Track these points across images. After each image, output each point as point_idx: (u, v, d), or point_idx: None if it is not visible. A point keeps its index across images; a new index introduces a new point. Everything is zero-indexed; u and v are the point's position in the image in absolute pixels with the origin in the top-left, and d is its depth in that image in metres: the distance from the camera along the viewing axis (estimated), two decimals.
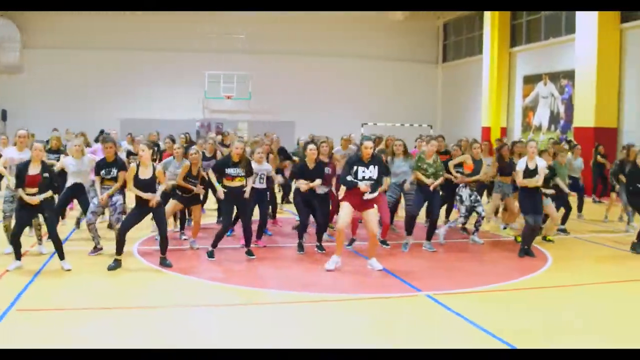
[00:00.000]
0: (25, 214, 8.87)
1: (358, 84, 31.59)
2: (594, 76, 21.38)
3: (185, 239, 11.35)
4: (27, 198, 8.68)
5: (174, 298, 7.95)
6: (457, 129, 28.63)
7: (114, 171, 10.03)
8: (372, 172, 9.38)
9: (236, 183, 10.00)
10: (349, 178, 9.33)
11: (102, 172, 10.00)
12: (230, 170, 9.95)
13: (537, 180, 10.55)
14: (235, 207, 10.23)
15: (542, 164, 10.73)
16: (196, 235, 10.96)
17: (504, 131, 27.33)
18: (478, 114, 28.92)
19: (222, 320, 7.21)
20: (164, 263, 9.36)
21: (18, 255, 8.81)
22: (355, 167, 9.38)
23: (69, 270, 8.84)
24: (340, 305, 7.79)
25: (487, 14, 27.81)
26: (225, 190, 9.99)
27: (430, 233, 11.26)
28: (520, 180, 10.61)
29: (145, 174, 9.27)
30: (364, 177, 9.35)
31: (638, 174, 11.46)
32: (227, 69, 28.99)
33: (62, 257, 8.94)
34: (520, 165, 10.70)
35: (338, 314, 7.46)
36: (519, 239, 11.56)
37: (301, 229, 10.83)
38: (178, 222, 12.00)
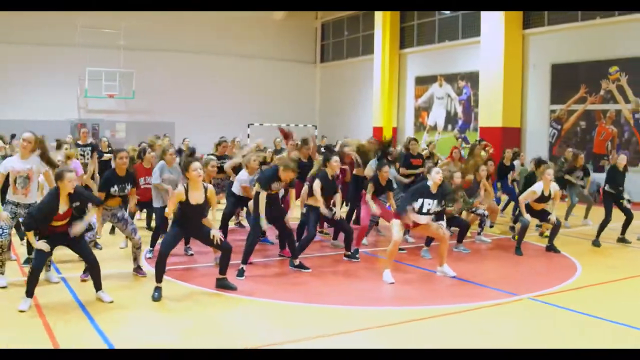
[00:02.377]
0: (50, 242, 7.08)
1: (242, 83, 30.76)
2: (501, 78, 22.26)
3: (192, 254, 10.06)
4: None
5: (300, 328, 6.69)
6: (344, 129, 28.47)
7: (128, 187, 8.54)
8: (435, 205, 8.88)
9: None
10: (409, 208, 8.70)
11: (114, 188, 8.30)
12: None
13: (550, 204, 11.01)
14: None
15: (556, 187, 11.01)
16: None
17: (395, 131, 27.52)
18: (367, 114, 28.92)
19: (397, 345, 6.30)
20: (225, 285, 7.95)
21: (31, 292, 6.90)
22: (421, 199, 8.76)
23: (111, 302, 7.22)
24: (465, 316, 7.27)
25: (378, 15, 27.96)
26: None
27: (461, 236, 11.13)
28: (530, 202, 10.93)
29: (196, 198, 7.61)
30: (428, 210, 8.85)
31: (615, 175, 12.05)
32: (109, 66, 26.70)
33: (100, 286, 7.31)
34: (537, 188, 10.82)
35: (479, 324, 6.98)
36: (546, 234, 12.14)
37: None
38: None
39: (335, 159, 9.78)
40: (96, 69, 26.57)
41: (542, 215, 11.20)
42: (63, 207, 6.95)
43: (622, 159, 12.31)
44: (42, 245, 6.85)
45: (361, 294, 8.12)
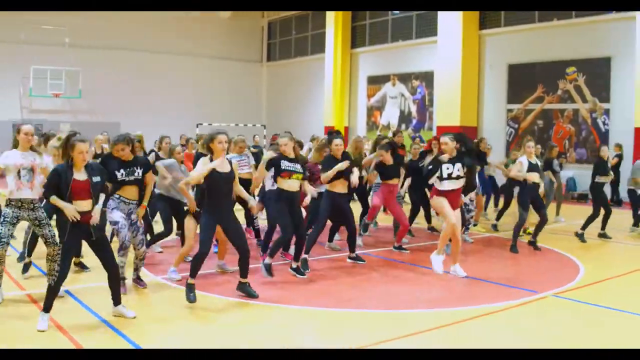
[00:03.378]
0: (76, 242, 6.44)
1: (189, 82, 30.26)
2: (459, 78, 22.51)
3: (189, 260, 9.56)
4: (73, 214, 6.17)
5: (356, 334, 6.38)
6: (295, 128, 28.08)
7: (138, 171, 7.80)
8: (458, 169, 8.86)
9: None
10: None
11: (121, 172, 7.58)
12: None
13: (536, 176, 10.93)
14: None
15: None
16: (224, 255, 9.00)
17: (346, 130, 27.53)
18: (319, 113, 28.82)
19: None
20: (247, 291, 7.51)
21: (49, 307, 6.16)
22: (443, 166, 8.79)
23: (134, 317, 6.54)
24: (501, 316, 7.20)
25: (330, 14, 27.92)
26: None
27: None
28: (524, 175, 10.80)
29: (223, 167, 7.25)
30: (450, 174, 8.81)
31: (604, 166, 12.35)
32: (55, 64, 25.71)
33: (119, 300, 6.60)
34: (522, 159, 10.96)
35: (519, 323, 6.98)
36: (528, 230, 12.24)
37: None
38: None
39: (336, 142, 9.51)
40: (41, 67, 25.58)
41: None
42: (80, 175, 6.26)
43: (604, 150, 12.64)
44: (70, 210, 6.10)
45: (391, 297, 7.91)
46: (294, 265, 8.86)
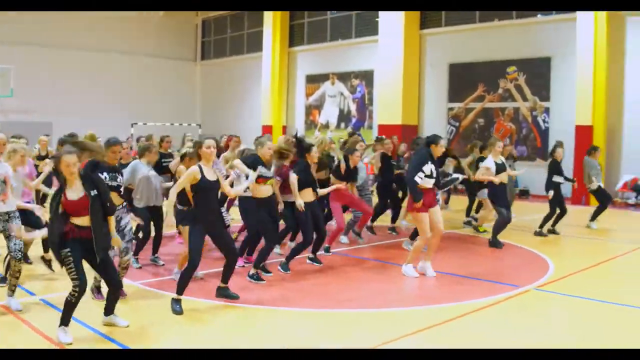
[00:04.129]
0: (81, 253, 5.92)
1: (123, 81, 29.42)
2: (400, 77, 22.72)
3: (162, 264, 9.30)
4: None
5: (361, 335, 6.34)
6: (231, 128, 27.80)
7: (121, 178, 7.52)
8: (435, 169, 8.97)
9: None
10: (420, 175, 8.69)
11: (104, 176, 7.09)
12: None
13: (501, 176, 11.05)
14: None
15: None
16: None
17: (284, 130, 27.39)
18: (256, 112, 28.57)
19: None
20: (227, 294, 7.36)
21: (67, 321, 5.84)
22: (429, 164, 8.78)
23: (127, 326, 6.28)
24: (493, 310, 7.33)
25: (267, 13, 27.72)
26: None
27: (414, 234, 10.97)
28: (488, 177, 10.97)
29: (210, 175, 7.04)
30: (432, 173, 8.88)
31: (558, 167, 12.80)
32: None
33: (112, 310, 6.32)
34: (489, 163, 11.00)
35: (512, 317, 7.13)
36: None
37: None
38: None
39: (315, 150, 9.44)
40: None
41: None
42: (74, 194, 5.84)
43: (559, 152, 12.92)
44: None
45: (382, 296, 7.89)
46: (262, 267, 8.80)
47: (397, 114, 22.87)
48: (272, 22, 27.65)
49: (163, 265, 9.23)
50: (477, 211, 13.57)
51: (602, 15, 18.16)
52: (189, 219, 7.19)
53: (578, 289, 8.31)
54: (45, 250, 8.31)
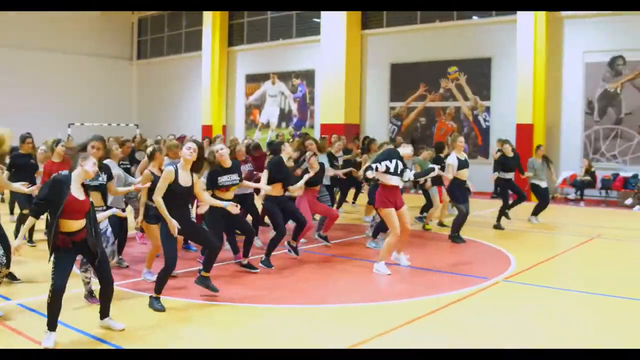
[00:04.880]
0: (71, 258, 5.85)
1: (59, 80, 28.69)
2: (343, 77, 22.98)
3: (127, 266, 9.09)
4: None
5: (355, 329, 6.32)
6: (171, 127, 27.57)
7: (103, 176, 7.43)
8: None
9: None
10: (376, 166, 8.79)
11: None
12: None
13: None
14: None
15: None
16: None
17: (224, 129, 27.31)
18: (196, 112, 28.33)
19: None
20: (207, 285, 7.33)
21: (54, 324, 5.64)
22: (394, 160, 8.91)
23: (122, 330, 6.11)
24: (469, 302, 7.54)
25: (207, 13, 27.54)
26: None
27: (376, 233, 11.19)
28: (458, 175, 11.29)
29: (185, 180, 6.92)
30: (401, 171, 9.04)
31: (507, 162, 13.26)
32: None
33: (107, 313, 6.14)
34: (452, 159, 11.25)
35: (491, 307, 7.41)
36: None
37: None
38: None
39: (287, 145, 9.55)
40: None
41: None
42: (79, 194, 5.72)
43: (507, 148, 13.33)
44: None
45: (360, 292, 8.03)
46: (245, 261, 8.90)
47: (340, 114, 23.10)
48: (211, 21, 27.49)
49: (127, 267, 9.05)
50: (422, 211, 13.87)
51: (542, 16, 18.81)
52: (159, 217, 7.03)
53: (543, 279, 8.73)
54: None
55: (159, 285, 6.82)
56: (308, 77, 25.35)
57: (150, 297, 6.87)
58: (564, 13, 19.03)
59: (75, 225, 5.72)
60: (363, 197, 14.87)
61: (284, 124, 26.31)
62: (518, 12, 19.09)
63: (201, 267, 7.47)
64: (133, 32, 32.52)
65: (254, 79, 27.42)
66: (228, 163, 8.22)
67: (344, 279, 8.68)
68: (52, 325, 5.60)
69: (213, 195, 7.96)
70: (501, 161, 13.43)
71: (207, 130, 27.14)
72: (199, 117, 28.07)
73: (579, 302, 7.65)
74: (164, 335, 6.10)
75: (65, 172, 5.80)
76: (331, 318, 6.82)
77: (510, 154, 13.37)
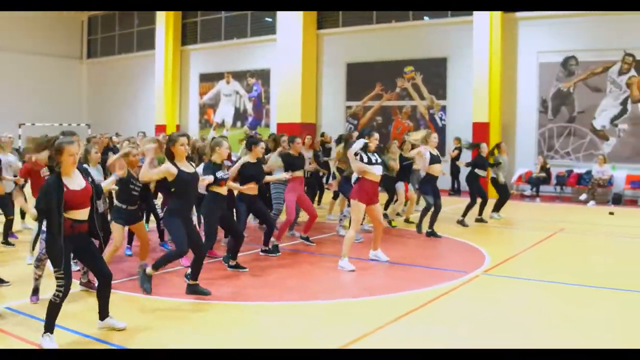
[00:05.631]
0: (70, 255, 5.70)
1: (9, 80, 28.05)
2: (299, 76, 23.14)
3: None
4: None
5: (348, 325, 6.40)
6: (123, 127, 27.20)
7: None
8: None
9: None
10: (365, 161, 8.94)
11: None
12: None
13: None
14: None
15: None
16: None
17: (178, 129, 27.13)
18: (149, 111, 28.07)
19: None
20: (199, 291, 7.31)
21: (52, 327, 5.51)
22: (365, 155, 9.02)
23: (123, 329, 6.07)
24: (452, 296, 7.69)
25: (160, 11, 27.22)
26: None
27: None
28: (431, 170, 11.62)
29: (186, 169, 7.12)
30: (377, 160, 9.20)
31: (481, 161, 13.54)
32: None
33: (107, 311, 6.06)
34: (423, 149, 11.54)
35: (476, 299, 7.63)
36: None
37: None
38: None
39: (261, 145, 9.61)
40: None
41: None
42: (74, 184, 5.59)
43: (483, 147, 13.67)
44: None
45: (347, 287, 8.21)
46: (233, 262, 8.93)
47: (296, 113, 23.21)
48: (164, 20, 27.25)
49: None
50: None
51: (497, 17, 19.30)
52: (167, 213, 7.13)
53: (520, 272, 9.12)
54: None
55: (161, 263, 7.05)
56: (263, 76, 25.40)
57: (144, 271, 7.02)
58: (518, 14, 19.57)
59: (81, 214, 5.62)
60: (327, 197, 15.08)
61: (239, 123, 26.28)
62: (474, 13, 19.54)
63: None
64: (83, 30, 31.96)
65: (208, 78, 27.32)
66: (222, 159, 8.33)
67: (326, 276, 8.77)
68: (51, 327, 5.49)
69: (210, 192, 8.10)
70: (479, 160, 13.62)
71: (160, 129, 26.85)
72: (152, 116, 27.78)
73: (559, 293, 7.94)
74: (162, 335, 6.04)
75: (51, 177, 5.61)
76: (326, 314, 6.89)
77: (484, 154, 13.65)
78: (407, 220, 13.76)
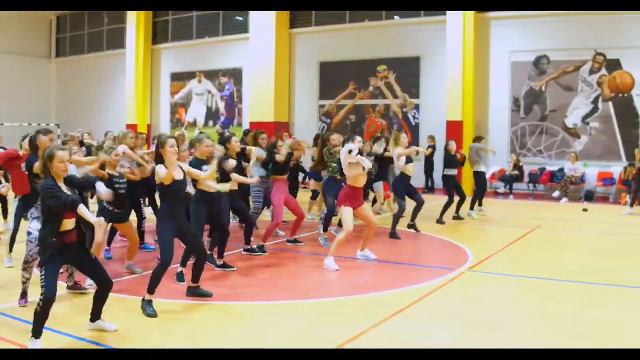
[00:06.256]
0: (59, 265, 5.72)
1: None
2: (272, 75, 23.13)
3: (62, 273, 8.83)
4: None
5: (343, 324, 6.42)
6: (94, 127, 26.79)
7: None
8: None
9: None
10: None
11: None
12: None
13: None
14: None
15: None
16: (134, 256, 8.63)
17: (149, 128, 26.94)
18: (120, 111, 27.74)
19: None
20: (200, 293, 7.30)
21: (41, 332, 5.45)
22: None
23: (116, 330, 6.04)
24: (442, 293, 7.80)
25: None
26: None
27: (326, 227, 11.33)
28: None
29: (175, 174, 6.92)
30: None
31: (452, 160, 13.65)
32: None
33: (100, 315, 6.03)
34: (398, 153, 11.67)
35: (466, 296, 7.76)
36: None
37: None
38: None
39: (235, 139, 9.60)
40: None
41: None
42: (67, 191, 5.58)
43: (452, 145, 13.78)
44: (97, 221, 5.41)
45: (335, 286, 8.28)
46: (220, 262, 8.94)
47: (269, 112, 23.19)
48: (135, 19, 26.98)
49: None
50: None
51: (470, 17, 19.52)
52: (159, 219, 7.04)
53: (505, 269, 9.26)
54: None
55: (153, 284, 6.68)
56: (236, 75, 25.31)
57: (143, 300, 6.71)
58: (491, 14, 19.80)
59: (69, 223, 5.58)
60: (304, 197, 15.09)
61: (211, 123, 26.15)
62: (447, 13, 19.71)
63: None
64: (51, 29, 31.47)
65: (180, 78, 27.14)
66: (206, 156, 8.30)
67: (313, 275, 8.82)
68: (38, 333, 5.41)
69: (197, 190, 8.13)
70: (447, 158, 13.77)
71: (132, 129, 26.56)
72: (123, 116, 27.47)
73: (541, 289, 8.09)
74: (155, 337, 5.98)
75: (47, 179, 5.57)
76: (319, 314, 6.89)
77: (453, 152, 13.78)
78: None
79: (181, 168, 7.11)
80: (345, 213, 9.06)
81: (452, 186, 13.63)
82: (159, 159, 6.91)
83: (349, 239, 9.24)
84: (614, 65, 18.46)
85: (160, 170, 6.79)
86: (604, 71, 18.55)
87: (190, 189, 8.33)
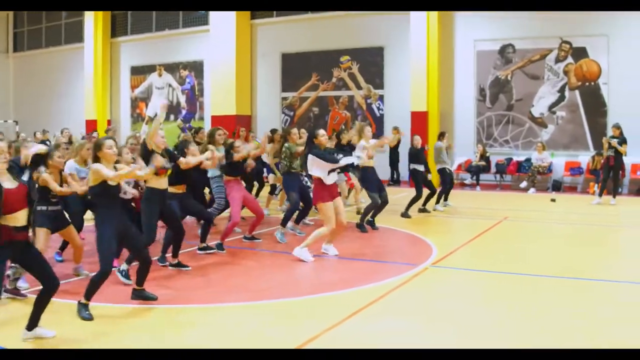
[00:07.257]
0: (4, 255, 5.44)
1: None
2: (233, 67, 22.66)
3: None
4: None
5: (302, 324, 6.18)
6: (53, 123, 26.13)
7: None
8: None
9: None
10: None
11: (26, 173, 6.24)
12: None
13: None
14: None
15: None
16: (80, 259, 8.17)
17: (109, 123, 26.22)
18: (79, 106, 27.04)
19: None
20: (145, 296, 6.84)
21: (36, 322, 5.47)
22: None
23: (54, 336, 5.58)
24: (407, 289, 7.51)
25: None
26: None
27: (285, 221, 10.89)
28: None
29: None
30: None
31: (417, 155, 13.37)
32: None
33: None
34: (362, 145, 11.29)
35: (431, 291, 7.48)
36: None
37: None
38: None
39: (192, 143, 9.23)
40: None
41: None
42: (9, 183, 5.24)
43: (417, 140, 13.44)
44: None
45: (299, 284, 7.97)
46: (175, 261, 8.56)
47: (231, 105, 22.72)
48: (93, 12, 26.23)
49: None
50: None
51: None
52: (97, 224, 6.52)
53: (469, 263, 9.04)
54: None
55: (90, 291, 6.21)
56: (196, 68, 24.75)
57: (79, 302, 6.25)
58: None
59: (20, 217, 5.25)
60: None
61: (172, 117, 25.53)
62: None
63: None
64: (8, 23, 30.53)
65: (140, 71, 26.49)
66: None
67: (270, 273, 8.42)
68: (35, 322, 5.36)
69: (147, 187, 7.84)
70: (413, 153, 13.42)
71: (91, 125, 25.92)
72: (82, 111, 26.77)
73: (509, 283, 7.82)
74: (103, 341, 5.59)
75: None
76: (278, 313, 6.54)
77: (419, 147, 13.44)
78: (359, 213, 13.26)
79: (115, 168, 6.58)
80: (326, 209, 8.78)
81: (421, 180, 13.26)
82: (97, 161, 6.41)
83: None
84: (580, 53, 18.25)
85: (102, 168, 6.26)
86: (570, 59, 18.32)
87: (129, 189, 8.12)
